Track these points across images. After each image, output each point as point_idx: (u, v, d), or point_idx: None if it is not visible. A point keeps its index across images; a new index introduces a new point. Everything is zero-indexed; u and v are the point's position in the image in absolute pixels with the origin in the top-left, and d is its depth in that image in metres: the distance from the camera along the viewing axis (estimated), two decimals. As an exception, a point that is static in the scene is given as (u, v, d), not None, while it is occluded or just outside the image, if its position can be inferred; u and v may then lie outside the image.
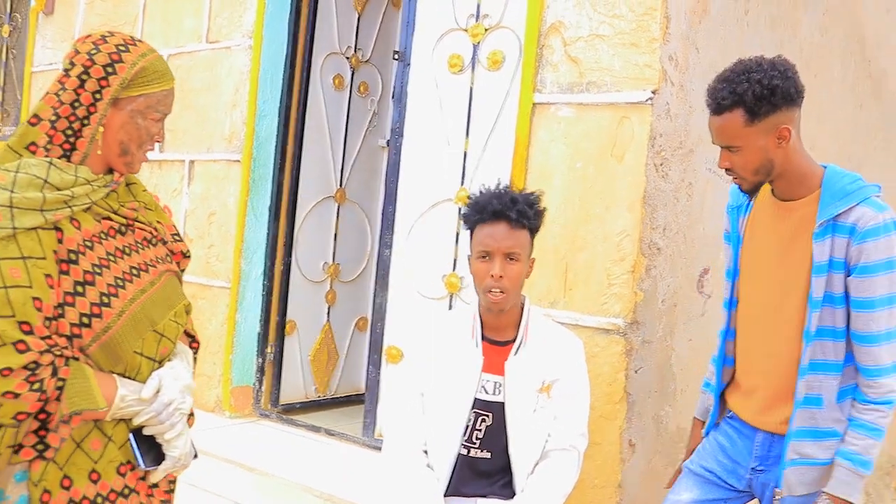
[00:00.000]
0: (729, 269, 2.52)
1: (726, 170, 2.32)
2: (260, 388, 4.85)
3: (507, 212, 2.45)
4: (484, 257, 2.48)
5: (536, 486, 2.52)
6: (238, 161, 4.77)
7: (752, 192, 2.35)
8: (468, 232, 2.57)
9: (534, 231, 2.54)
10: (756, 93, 2.16)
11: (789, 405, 2.32)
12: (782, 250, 2.33)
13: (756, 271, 2.42)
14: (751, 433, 2.46)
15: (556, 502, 2.53)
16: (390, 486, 2.64)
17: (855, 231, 2.17)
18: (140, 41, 1.91)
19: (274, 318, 4.87)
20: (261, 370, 4.83)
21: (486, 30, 3.85)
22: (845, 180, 2.24)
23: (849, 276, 2.19)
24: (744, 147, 2.22)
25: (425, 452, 2.59)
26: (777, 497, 2.36)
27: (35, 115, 1.82)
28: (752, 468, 2.45)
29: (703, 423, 2.73)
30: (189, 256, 2.17)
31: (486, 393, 2.54)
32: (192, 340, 2.16)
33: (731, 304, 2.51)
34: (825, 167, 2.30)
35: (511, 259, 2.47)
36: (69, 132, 1.81)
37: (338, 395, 5.33)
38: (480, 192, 2.55)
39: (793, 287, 2.30)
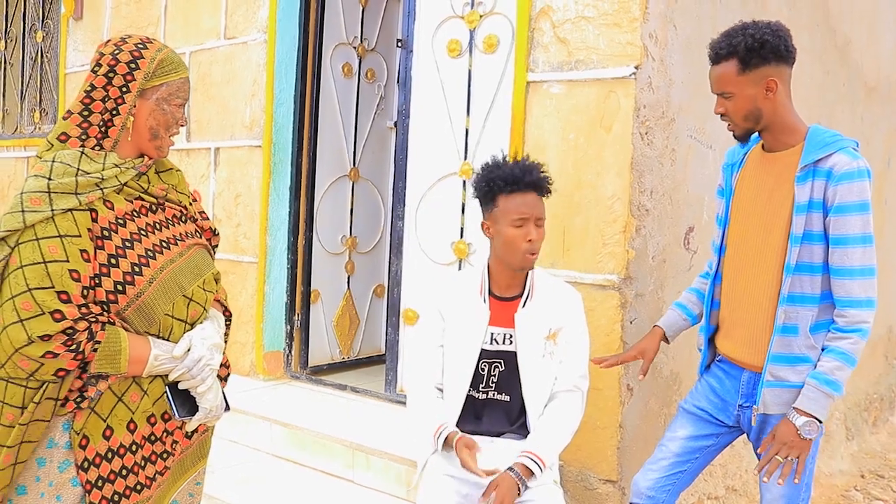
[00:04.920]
0: (719, 218, 2.58)
1: (721, 115, 2.40)
2: (289, 352, 4.91)
3: (539, 183, 2.55)
4: (520, 225, 2.53)
5: (547, 425, 2.58)
6: (259, 146, 4.80)
7: (742, 138, 2.44)
8: (487, 200, 2.59)
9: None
10: (748, 45, 2.28)
11: (766, 340, 2.39)
12: (768, 194, 2.40)
13: (744, 215, 2.48)
14: (737, 373, 2.51)
15: (564, 439, 2.60)
16: (409, 416, 2.72)
17: (832, 174, 2.24)
18: (154, 40, 2.00)
19: (299, 288, 4.92)
20: (289, 336, 4.89)
21: (480, 16, 3.86)
22: (826, 134, 2.33)
23: (826, 216, 2.26)
24: (736, 94, 2.33)
25: (440, 390, 2.69)
26: (755, 413, 2.43)
27: (67, 111, 1.92)
28: (740, 405, 2.51)
29: (662, 333, 2.76)
30: (218, 234, 2.26)
31: (498, 344, 2.61)
32: (225, 309, 2.23)
33: (721, 250, 2.57)
34: (809, 126, 2.39)
35: (538, 225, 2.55)
36: (101, 124, 1.89)
37: (360, 357, 5.39)
38: (497, 164, 2.58)
39: (776, 226, 2.36)
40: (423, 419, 2.64)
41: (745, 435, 2.60)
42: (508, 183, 2.53)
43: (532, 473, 2.46)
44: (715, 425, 2.59)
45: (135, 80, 1.91)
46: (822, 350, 2.30)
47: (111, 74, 1.90)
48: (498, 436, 2.64)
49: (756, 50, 2.28)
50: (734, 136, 2.44)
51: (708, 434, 2.60)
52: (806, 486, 2.43)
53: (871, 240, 2.26)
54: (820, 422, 2.27)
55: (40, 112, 6.74)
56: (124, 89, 1.90)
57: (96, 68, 1.92)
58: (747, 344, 2.46)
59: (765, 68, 2.30)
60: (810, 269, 2.31)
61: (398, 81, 4.55)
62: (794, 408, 2.29)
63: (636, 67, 3.22)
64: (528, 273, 2.65)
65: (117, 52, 1.92)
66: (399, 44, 4.48)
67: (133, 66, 1.91)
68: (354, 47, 5.16)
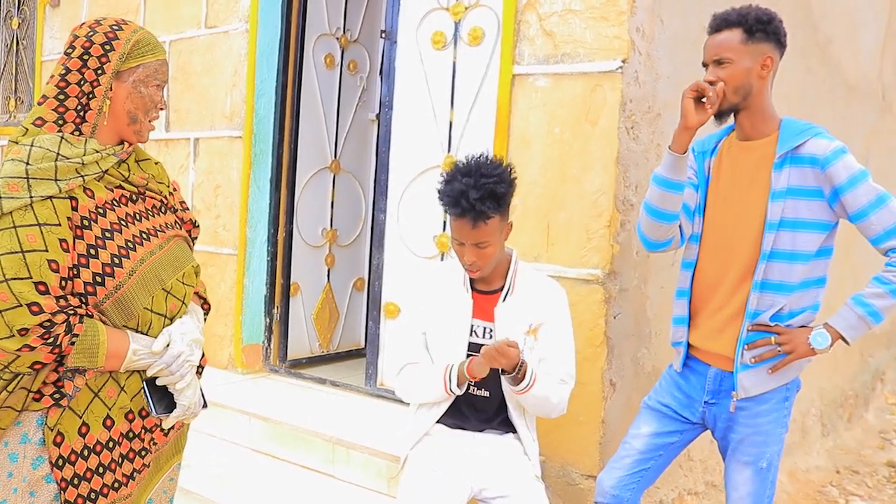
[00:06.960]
0: (698, 206, 2.56)
1: (709, 84, 2.38)
2: (269, 345, 4.85)
3: (466, 214, 2.40)
4: (460, 244, 2.49)
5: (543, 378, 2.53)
6: (240, 137, 4.73)
7: (723, 114, 2.42)
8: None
9: (504, 210, 2.49)
10: (757, 16, 2.34)
11: (738, 326, 2.39)
12: (747, 184, 2.41)
13: (722, 204, 2.48)
14: (703, 370, 2.51)
15: (550, 394, 2.52)
16: (405, 388, 2.65)
17: (817, 161, 2.27)
18: (130, 22, 1.95)
19: (279, 281, 4.86)
20: (269, 329, 4.83)
21: (465, 8, 3.82)
22: (799, 123, 2.38)
23: (834, 203, 2.29)
24: (734, 62, 2.35)
25: None
26: (734, 400, 2.41)
27: (42, 96, 1.86)
28: (705, 402, 2.51)
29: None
30: (198, 226, 2.20)
31: (478, 337, 2.57)
32: (204, 302, 2.18)
33: (696, 238, 2.56)
34: (782, 118, 2.43)
35: (480, 247, 2.46)
36: (78, 108, 1.84)
37: (339, 350, 5.34)
38: (452, 175, 2.47)
39: (754, 214, 2.37)
40: (423, 374, 2.57)
41: (710, 432, 2.59)
42: (445, 204, 2.47)
43: (524, 378, 2.42)
44: (679, 422, 2.58)
45: (109, 61, 1.86)
46: (874, 278, 2.29)
47: (86, 57, 1.85)
48: (480, 432, 2.61)
49: (764, 23, 2.33)
50: (715, 112, 2.41)
51: (672, 431, 2.59)
52: (770, 483, 2.45)
53: (887, 195, 2.27)
54: (845, 342, 2.27)
55: (15, 100, 6.62)
56: (99, 72, 1.85)
57: (70, 51, 1.86)
58: (715, 334, 2.46)
59: (765, 45, 2.35)
60: (790, 257, 2.31)
61: (381, 73, 4.50)
62: (828, 326, 2.28)
63: (623, 61, 3.20)
64: (509, 267, 2.61)
65: (92, 34, 1.87)
66: (383, 35, 4.43)
67: (108, 47, 1.86)
68: (337, 38, 5.09)
